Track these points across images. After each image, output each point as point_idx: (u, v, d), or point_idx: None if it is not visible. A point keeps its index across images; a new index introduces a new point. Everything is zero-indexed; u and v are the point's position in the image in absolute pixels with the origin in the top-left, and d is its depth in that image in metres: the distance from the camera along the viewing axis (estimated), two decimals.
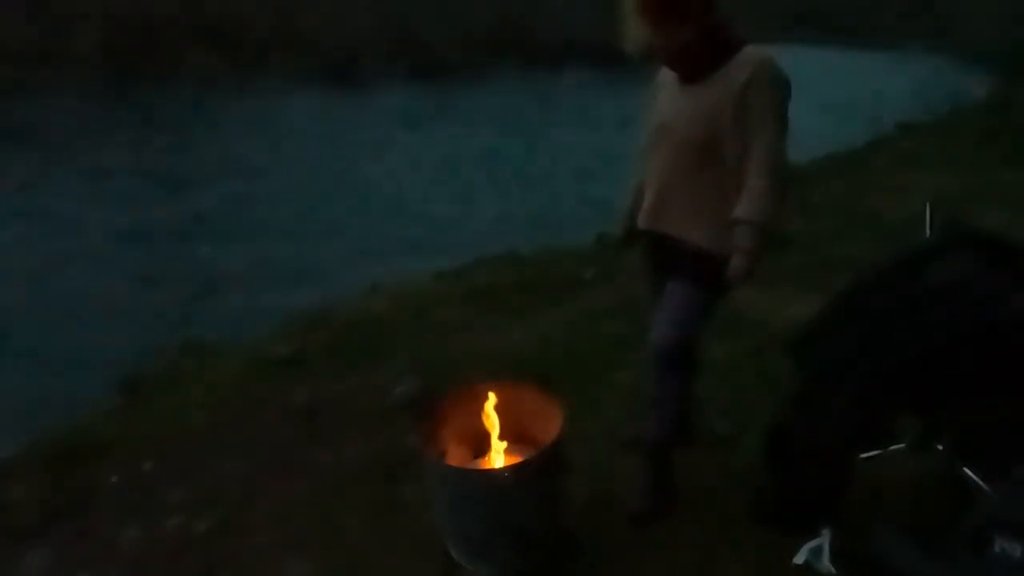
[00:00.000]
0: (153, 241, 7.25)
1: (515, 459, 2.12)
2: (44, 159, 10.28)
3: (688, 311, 2.02)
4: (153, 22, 18.27)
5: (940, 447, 1.86)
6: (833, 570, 1.85)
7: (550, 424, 2.09)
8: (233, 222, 7.82)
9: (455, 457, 2.17)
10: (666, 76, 2.10)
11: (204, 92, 15.67)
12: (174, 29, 18.39)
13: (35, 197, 8.60)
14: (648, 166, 2.13)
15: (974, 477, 1.70)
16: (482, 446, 2.20)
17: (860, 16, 36.74)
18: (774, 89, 1.89)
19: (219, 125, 13.11)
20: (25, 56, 15.97)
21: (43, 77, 15.30)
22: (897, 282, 1.85)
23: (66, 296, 5.75)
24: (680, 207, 2.02)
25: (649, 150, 2.12)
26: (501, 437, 2.17)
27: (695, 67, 1.95)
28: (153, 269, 6.33)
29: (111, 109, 14.20)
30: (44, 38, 16.49)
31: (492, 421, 2.14)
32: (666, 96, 2.08)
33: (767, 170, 1.89)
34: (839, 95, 17.57)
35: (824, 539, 1.80)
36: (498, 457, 2.15)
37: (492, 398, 2.13)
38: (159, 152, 10.97)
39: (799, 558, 1.90)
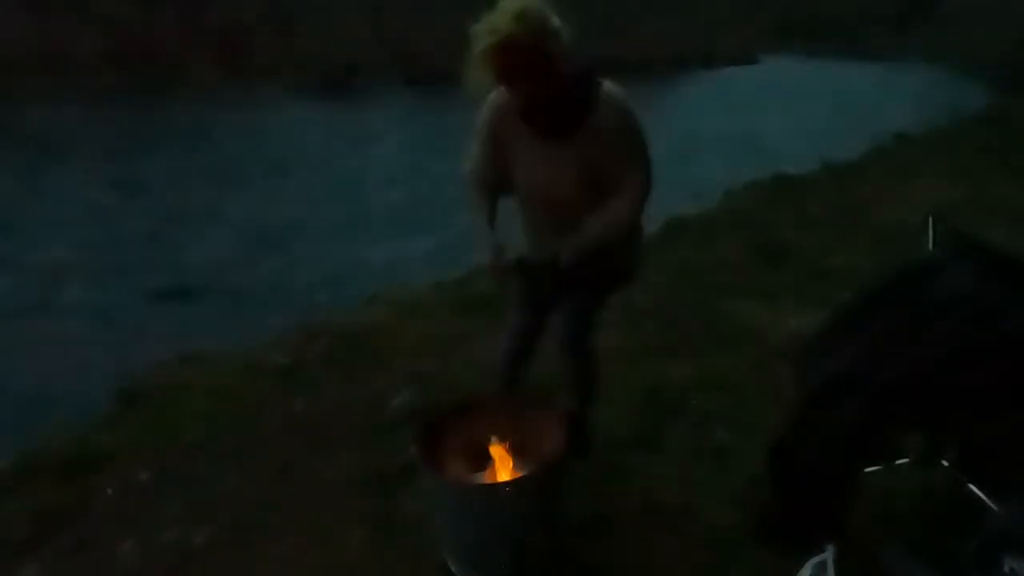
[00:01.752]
0: (151, 250, 7.23)
1: (515, 473, 2.11)
2: (43, 166, 10.27)
3: (587, 313, 2.30)
4: (154, 33, 18.32)
5: (945, 463, 1.85)
6: None
7: (550, 436, 2.07)
8: (232, 231, 7.80)
9: (454, 470, 2.16)
10: (514, 123, 2.03)
11: (204, 103, 15.69)
12: (175, 40, 18.44)
13: (32, 203, 8.59)
14: (525, 216, 2.22)
15: (980, 494, 1.68)
16: (481, 458, 2.19)
17: (857, 27, 36.96)
18: (637, 130, 1.98)
19: (218, 135, 13.11)
20: (26, 64, 15.99)
21: (44, 85, 15.32)
22: (900, 296, 1.84)
23: (61, 303, 5.73)
24: (565, 238, 2.09)
25: (522, 204, 2.19)
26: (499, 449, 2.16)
27: (557, 125, 1.96)
28: (151, 277, 6.31)
29: (111, 118, 14.21)
30: (45, 46, 16.51)
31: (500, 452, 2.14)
32: (523, 149, 2.04)
33: (630, 206, 2.04)
34: (837, 106, 17.65)
35: (829, 555, 1.78)
36: (499, 470, 2.13)
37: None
38: (158, 161, 10.96)
39: (803, 574, 1.88)
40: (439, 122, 14.96)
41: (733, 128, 14.43)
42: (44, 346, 4.96)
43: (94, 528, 2.49)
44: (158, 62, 17.57)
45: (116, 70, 16.88)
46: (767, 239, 5.48)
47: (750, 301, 4.15)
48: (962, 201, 6.47)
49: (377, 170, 10.66)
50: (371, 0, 21.95)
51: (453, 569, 2.07)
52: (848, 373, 1.77)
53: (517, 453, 2.16)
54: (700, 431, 2.81)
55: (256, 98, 16.45)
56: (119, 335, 5.06)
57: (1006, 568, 1.30)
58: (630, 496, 2.45)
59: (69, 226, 7.78)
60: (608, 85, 1.97)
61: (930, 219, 2.18)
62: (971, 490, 1.76)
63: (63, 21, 17.31)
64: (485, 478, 2.14)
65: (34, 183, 9.42)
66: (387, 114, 16.13)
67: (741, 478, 2.43)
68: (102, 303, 5.75)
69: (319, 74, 18.74)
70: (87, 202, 8.71)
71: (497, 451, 2.13)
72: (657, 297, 4.34)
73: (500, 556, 2.00)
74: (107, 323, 5.34)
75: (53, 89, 15.15)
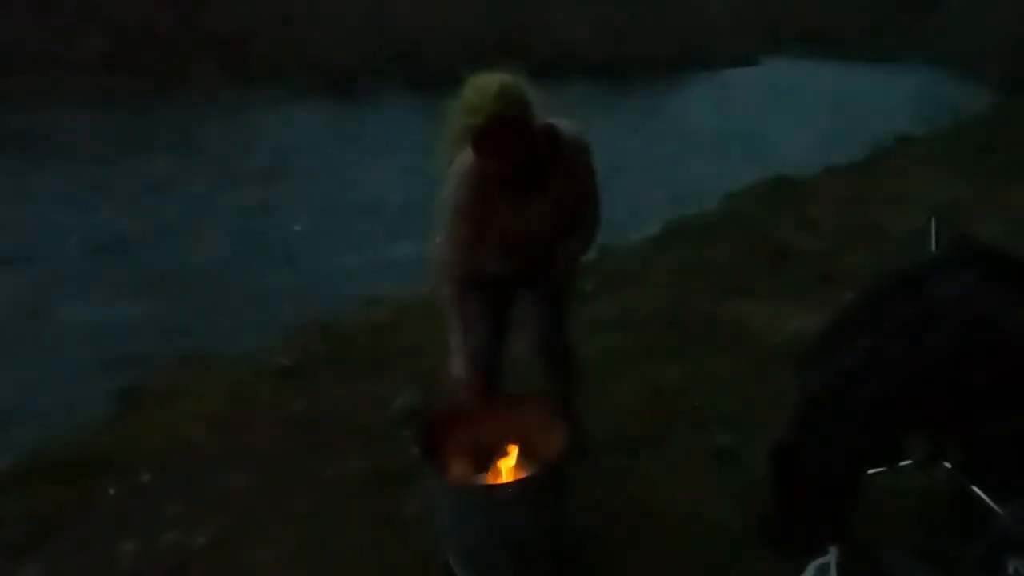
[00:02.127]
0: (153, 251, 7.24)
1: (518, 474, 2.11)
2: (45, 167, 10.28)
3: (563, 310, 2.43)
4: (156, 33, 18.34)
5: (947, 465, 1.85)
6: None
7: (552, 437, 2.07)
8: (234, 233, 7.81)
9: (457, 471, 2.15)
10: (490, 190, 1.99)
11: (205, 104, 15.70)
12: (177, 41, 18.46)
13: (36, 204, 8.60)
14: (502, 256, 2.23)
15: (983, 496, 1.68)
16: (484, 459, 2.18)
17: (858, 29, 36.95)
18: (592, 163, 2.12)
19: (219, 138, 13.12)
20: (28, 64, 16.01)
21: (46, 85, 15.33)
22: (903, 298, 1.83)
23: (64, 305, 5.73)
24: (540, 259, 2.20)
25: (498, 251, 2.19)
26: (504, 451, 2.15)
27: (534, 182, 2.01)
28: (153, 278, 6.32)
29: (113, 119, 14.22)
30: (47, 47, 16.53)
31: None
32: (502, 212, 2.03)
33: (593, 230, 2.23)
34: (838, 108, 17.65)
35: (831, 557, 1.78)
36: (502, 472, 2.13)
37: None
38: (160, 162, 10.97)
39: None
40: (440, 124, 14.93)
41: (734, 129, 14.43)
42: (44, 348, 4.97)
43: (95, 529, 2.49)
44: (159, 64, 17.58)
45: (117, 72, 16.89)
46: (768, 241, 5.48)
47: (751, 302, 4.15)
48: (964, 202, 6.46)
49: (378, 172, 10.67)
50: (374, 1, 21.96)
51: (455, 570, 2.07)
52: (850, 375, 1.77)
53: (519, 453, 2.16)
54: (701, 433, 2.81)
55: (257, 100, 16.46)
56: (120, 334, 5.06)
57: (1010, 570, 1.29)
58: (631, 498, 2.45)
59: (70, 227, 7.79)
60: (563, 124, 2.03)
61: (932, 221, 2.18)
62: (974, 492, 1.76)
63: (65, 22, 17.32)
64: (487, 479, 2.14)
65: (34, 185, 9.43)
66: (388, 115, 16.14)
67: (742, 480, 2.42)
68: (102, 305, 5.75)
69: (321, 76, 18.74)
70: (88, 203, 8.72)
71: (508, 461, 2.13)
72: (658, 298, 4.34)
73: (502, 557, 2.00)
74: (108, 325, 5.34)
75: (53, 90, 15.16)
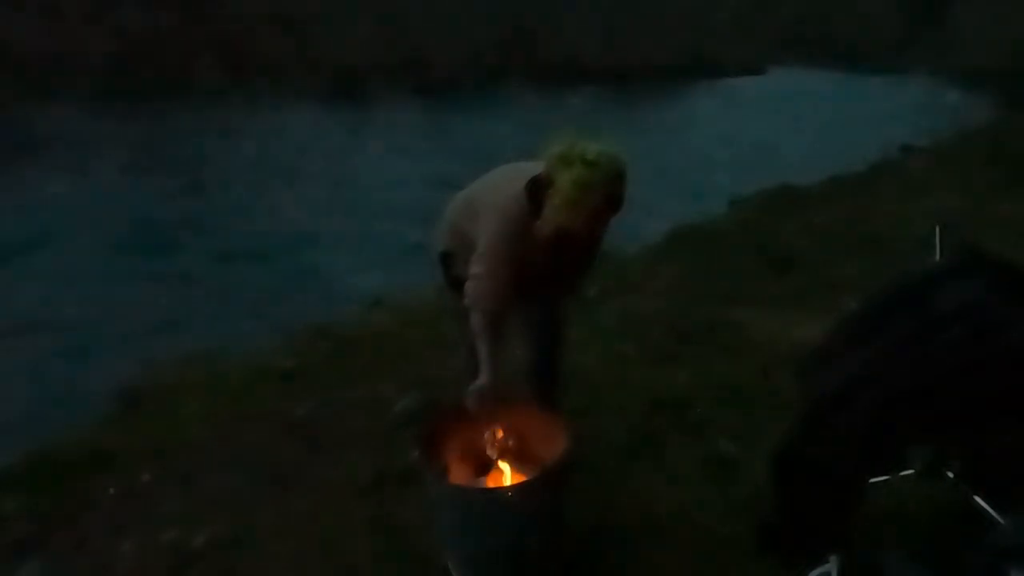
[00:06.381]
0: (156, 252, 7.26)
1: (518, 478, 2.10)
2: (51, 168, 10.32)
3: (566, 316, 2.52)
4: (162, 36, 18.44)
5: (950, 474, 1.84)
6: None
7: (554, 442, 2.06)
8: (237, 234, 7.83)
9: (457, 474, 2.15)
10: (534, 237, 1.99)
11: (211, 106, 15.76)
12: (183, 43, 18.55)
13: (40, 204, 8.64)
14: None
15: (985, 506, 1.67)
16: (484, 463, 2.18)
17: (862, 39, 37.00)
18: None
19: (225, 139, 13.17)
20: (35, 66, 16.10)
21: (52, 87, 15.41)
22: (906, 306, 1.83)
23: (68, 304, 5.75)
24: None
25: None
26: (504, 456, 2.15)
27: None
28: (155, 279, 6.33)
29: (119, 120, 14.28)
30: (54, 49, 16.62)
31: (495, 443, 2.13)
32: (538, 256, 2.06)
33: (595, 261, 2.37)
34: (842, 118, 17.67)
35: (832, 565, 1.77)
36: (501, 475, 2.13)
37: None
38: (165, 164, 11.01)
39: None
40: (443, 130, 15.01)
41: (739, 138, 14.46)
42: (46, 345, 4.97)
43: (94, 528, 2.49)
44: (165, 65, 17.67)
45: (123, 72, 16.97)
46: (773, 249, 5.47)
47: (754, 310, 4.14)
48: (968, 213, 6.45)
49: (378, 176, 10.69)
50: (381, 6, 22.07)
51: (454, 573, 2.06)
52: (853, 383, 1.76)
53: (518, 458, 2.16)
54: (702, 439, 2.80)
55: (262, 102, 16.52)
56: (122, 334, 5.07)
57: None
58: (631, 505, 2.44)
59: (71, 227, 7.83)
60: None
61: (936, 230, 2.18)
62: (976, 502, 1.75)
63: (72, 23, 17.42)
64: (487, 483, 2.14)
65: (42, 185, 9.48)
66: (391, 118, 16.18)
67: (743, 488, 2.41)
68: (106, 300, 5.77)
69: (325, 79, 18.83)
70: (91, 202, 8.76)
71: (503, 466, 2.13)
72: (661, 305, 4.34)
73: (501, 561, 2.00)
74: (109, 320, 5.36)
75: (57, 90, 15.23)
